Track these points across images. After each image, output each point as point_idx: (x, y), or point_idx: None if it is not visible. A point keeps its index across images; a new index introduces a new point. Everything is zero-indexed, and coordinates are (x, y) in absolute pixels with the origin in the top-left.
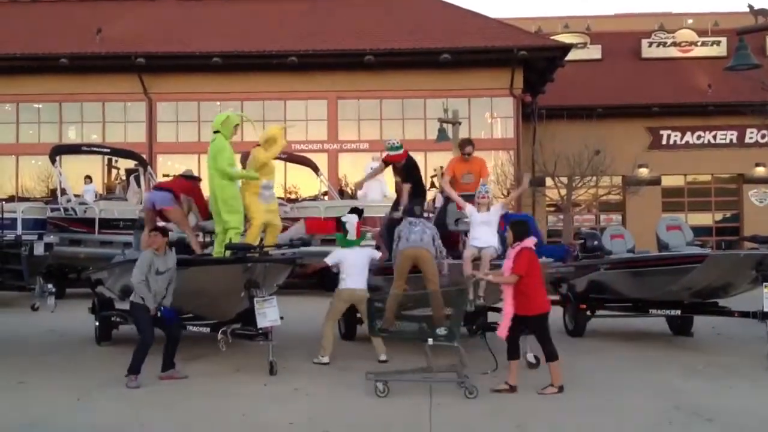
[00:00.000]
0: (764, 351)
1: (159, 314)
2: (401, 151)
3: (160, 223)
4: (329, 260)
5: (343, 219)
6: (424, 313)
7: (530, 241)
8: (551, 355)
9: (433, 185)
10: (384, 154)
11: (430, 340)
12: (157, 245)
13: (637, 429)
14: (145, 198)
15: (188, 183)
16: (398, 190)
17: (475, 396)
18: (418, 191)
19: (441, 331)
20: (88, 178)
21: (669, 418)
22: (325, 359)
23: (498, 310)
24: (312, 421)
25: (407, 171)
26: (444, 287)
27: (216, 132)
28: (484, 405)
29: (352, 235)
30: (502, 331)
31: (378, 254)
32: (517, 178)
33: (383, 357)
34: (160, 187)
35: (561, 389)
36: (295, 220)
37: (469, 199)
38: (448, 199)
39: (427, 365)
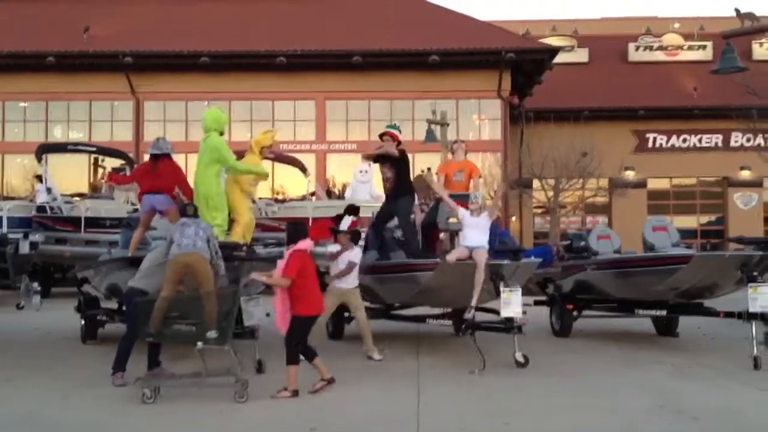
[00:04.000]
0: (749, 351)
1: None
2: (397, 133)
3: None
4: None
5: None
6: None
7: (304, 244)
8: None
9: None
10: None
11: (200, 344)
12: None
13: (622, 427)
14: (144, 201)
15: (170, 170)
16: (386, 188)
17: (245, 400)
18: (406, 188)
19: (212, 333)
20: (38, 178)
21: (654, 416)
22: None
23: (487, 310)
24: (300, 418)
25: (398, 164)
26: (221, 289)
27: (207, 130)
28: (469, 402)
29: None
30: (282, 329)
31: (356, 258)
32: (503, 179)
33: (377, 356)
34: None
35: (296, 393)
36: (283, 220)
37: (459, 198)
38: (437, 200)
39: (200, 370)
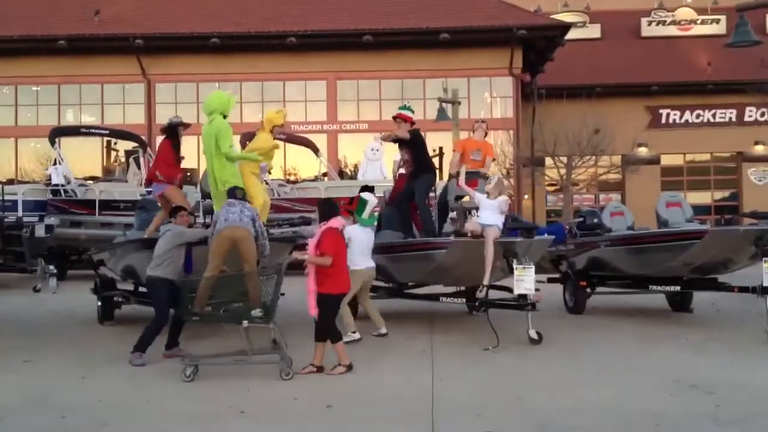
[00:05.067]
0: (763, 326)
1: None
2: (410, 114)
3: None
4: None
5: (365, 197)
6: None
7: (336, 221)
8: (336, 337)
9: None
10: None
11: (245, 322)
12: (187, 222)
13: (636, 402)
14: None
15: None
16: (407, 169)
17: (290, 377)
18: (424, 166)
19: (257, 312)
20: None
21: (669, 391)
22: (356, 335)
23: (499, 287)
24: (315, 396)
25: (413, 145)
26: (264, 268)
27: (211, 113)
28: (484, 379)
29: (366, 214)
30: (311, 310)
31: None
32: (516, 158)
33: (383, 330)
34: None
35: (319, 369)
36: (295, 201)
37: (475, 175)
38: (449, 177)
39: (245, 347)
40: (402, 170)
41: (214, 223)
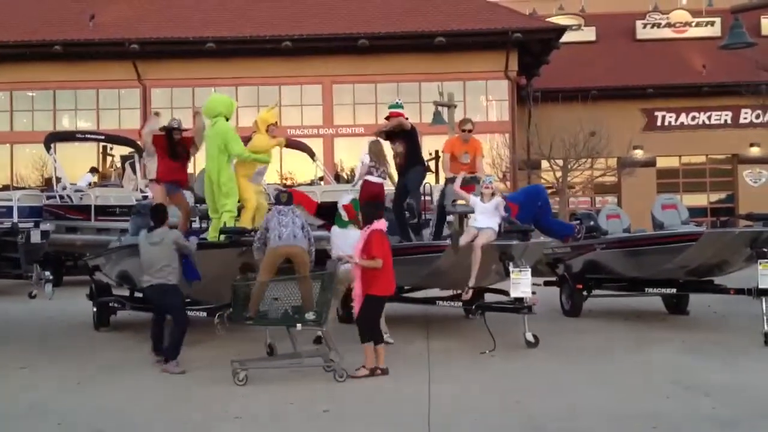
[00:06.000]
0: (760, 328)
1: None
2: (401, 110)
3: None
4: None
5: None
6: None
7: (381, 224)
8: (378, 338)
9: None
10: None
11: (299, 326)
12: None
13: (634, 404)
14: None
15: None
16: (398, 164)
17: (344, 379)
18: (416, 159)
19: (310, 315)
20: (94, 170)
21: (666, 393)
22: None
23: (495, 290)
24: (312, 400)
25: (410, 137)
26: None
27: (216, 116)
28: (481, 382)
29: (344, 217)
30: (359, 313)
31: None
32: (512, 161)
33: (389, 340)
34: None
35: (372, 372)
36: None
37: (469, 182)
38: (446, 181)
39: (294, 351)
40: (369, 177)
41: (262, 234)
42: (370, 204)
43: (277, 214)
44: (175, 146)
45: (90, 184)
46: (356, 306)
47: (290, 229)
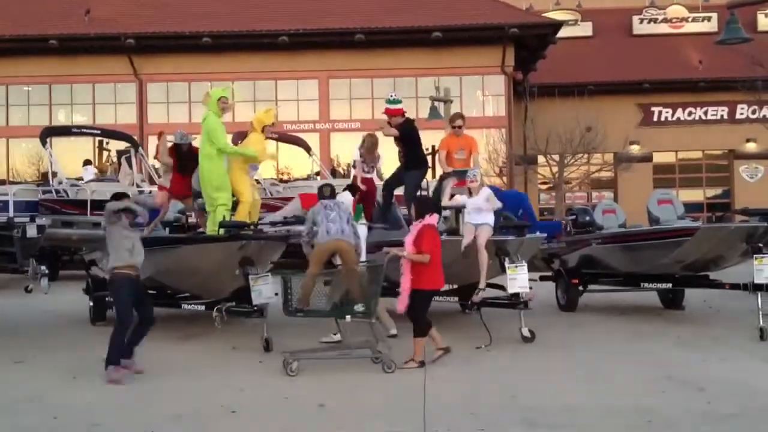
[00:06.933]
0: (755, 323)
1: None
2: (399, 106)
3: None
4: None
5: (339, 198)
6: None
7: (432, 219)
8: (423, 332)
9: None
10: (383, 108)
11: (348, 317)
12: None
13: (629, 398)
14: None
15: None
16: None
17: (393, 370)
18: (415, 160)
19: (359, 307)
20: (88, 162)
21: (661, 388)
22: (337, 336)
23: (494, 285)
24: (307, 395)
25: (406, 133)
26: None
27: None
28: (477, 377)
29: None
30: (401, 307)
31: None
32: (508, 156)
33: (393, 331)
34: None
35: (422, 364)
36: (288, 200)
37: (463, 175)
38: (442, 177)
39: (344, 342)
40: (366, 173)
41: (310, 229)
42: (422, 199)
43: (324, 209)
44: (183, 160)
45: (96, 176)
46: (402, 300)
47: (338, 224)
